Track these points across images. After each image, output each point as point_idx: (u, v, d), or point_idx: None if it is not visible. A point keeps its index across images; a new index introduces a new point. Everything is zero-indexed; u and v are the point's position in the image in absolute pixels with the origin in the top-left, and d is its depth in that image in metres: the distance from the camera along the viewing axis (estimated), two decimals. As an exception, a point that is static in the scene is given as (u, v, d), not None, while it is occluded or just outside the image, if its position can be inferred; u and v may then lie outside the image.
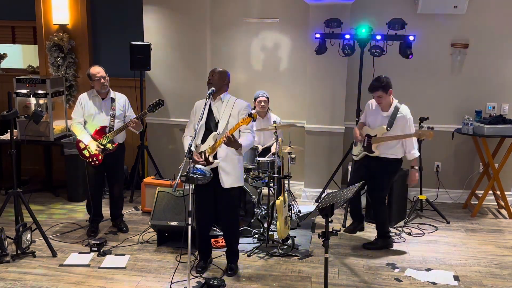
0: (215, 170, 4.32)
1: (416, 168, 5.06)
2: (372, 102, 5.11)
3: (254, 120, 4.15)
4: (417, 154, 4.99)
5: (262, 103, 5.88)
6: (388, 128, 4.90)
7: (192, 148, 4.23)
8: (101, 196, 5.56)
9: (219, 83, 4.41)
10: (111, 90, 5.29)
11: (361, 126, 5.20)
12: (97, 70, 5.15)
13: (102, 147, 5.15)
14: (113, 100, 5.24)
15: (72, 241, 5.24)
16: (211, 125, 4.39)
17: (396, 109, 4.93)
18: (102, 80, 5.14)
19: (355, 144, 5.25)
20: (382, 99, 4.92)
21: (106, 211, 5.64)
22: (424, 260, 4.90)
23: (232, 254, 4.65)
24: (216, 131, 4.34)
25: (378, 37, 5.75)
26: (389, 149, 4.96)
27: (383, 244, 5.11)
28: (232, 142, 4.17)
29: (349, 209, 5.66)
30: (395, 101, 4.98)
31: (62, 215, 6.00)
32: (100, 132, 5.18)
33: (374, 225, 5.28)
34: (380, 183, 5.06)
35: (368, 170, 5.06)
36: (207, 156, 4.32)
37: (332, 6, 6.07)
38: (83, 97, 5.27)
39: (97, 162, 5.17)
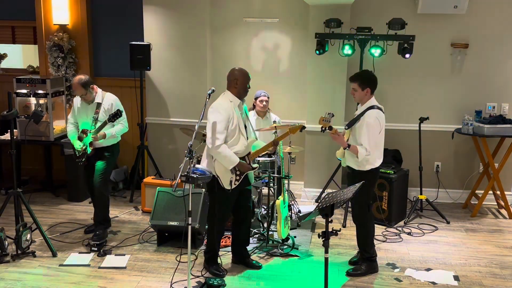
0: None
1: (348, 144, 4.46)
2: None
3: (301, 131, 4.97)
4: (361, 156, 4.39)
5: (264, 103, 5.88)
6: (346, 127, 4.55)
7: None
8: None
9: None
10: (100, 94, 5.18)
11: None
12: (74, 85, 5.09)
13: (84, 146, 5.12)
14: (98, 104, 5.14)
15: (72, 241, 5.24)
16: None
17: (366, 110, 4.39)
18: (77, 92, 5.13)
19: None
20: (356, 93, 4.46)
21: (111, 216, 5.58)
22: (424, 260, 4.90)
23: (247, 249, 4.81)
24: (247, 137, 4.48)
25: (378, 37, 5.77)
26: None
27: (368, 269, 4.59)
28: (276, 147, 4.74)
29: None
30: (373, 102, 4.45)
31: (62, 215, 6.01)
32: (82, 135, 5.18)
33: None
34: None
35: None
36: (249, 161, 4.47)
37: (332, 6, 6.07)
38: (75, 99, 5.30)
39: (81, 163, 5.20)
